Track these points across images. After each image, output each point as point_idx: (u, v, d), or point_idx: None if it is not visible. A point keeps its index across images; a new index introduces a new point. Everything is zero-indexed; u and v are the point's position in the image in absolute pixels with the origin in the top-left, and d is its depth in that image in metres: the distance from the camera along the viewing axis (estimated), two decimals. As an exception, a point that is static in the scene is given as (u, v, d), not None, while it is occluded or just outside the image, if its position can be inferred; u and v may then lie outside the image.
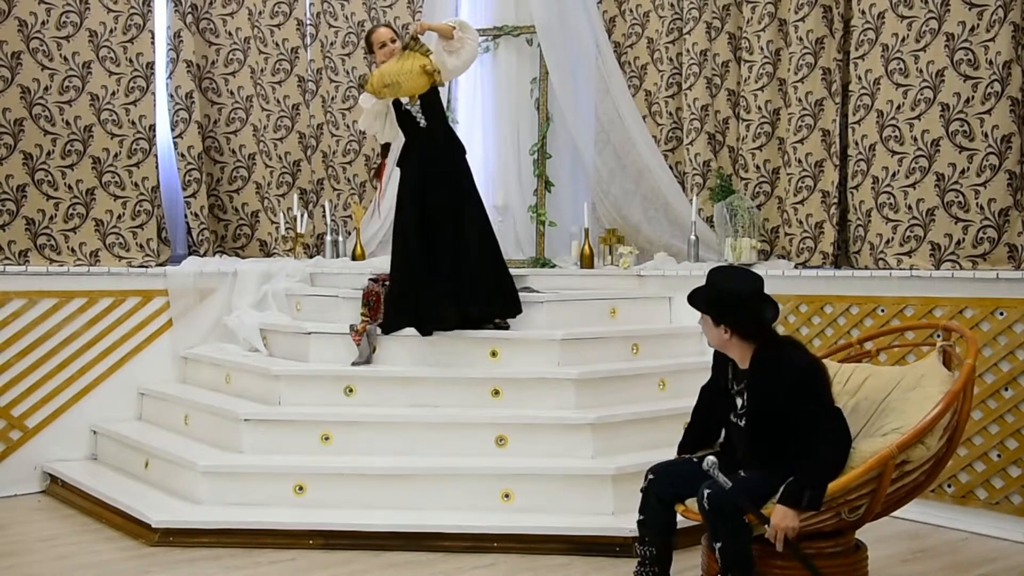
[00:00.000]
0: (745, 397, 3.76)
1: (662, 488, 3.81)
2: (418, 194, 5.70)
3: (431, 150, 5.75)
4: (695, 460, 3.87)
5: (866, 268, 5.71)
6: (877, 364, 4.28)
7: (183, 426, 5.79)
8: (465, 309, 5.59)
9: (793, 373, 3.61)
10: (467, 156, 5.89)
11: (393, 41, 5.78)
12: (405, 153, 5.89)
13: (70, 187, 6.25)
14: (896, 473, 3.60)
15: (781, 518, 3.48)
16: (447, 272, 5.62)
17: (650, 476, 3.87)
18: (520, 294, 5.88)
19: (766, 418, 3.67)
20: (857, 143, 5.83)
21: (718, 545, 3.54)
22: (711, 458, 3.57)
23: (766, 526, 3.49)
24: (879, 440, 3.63)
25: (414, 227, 5.67)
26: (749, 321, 3.69)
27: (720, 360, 3.93)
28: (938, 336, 4.64)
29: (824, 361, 3.93)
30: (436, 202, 5.68)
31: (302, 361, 5.73)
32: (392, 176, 7.39)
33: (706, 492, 3.55)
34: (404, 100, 5.71)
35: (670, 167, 6.94)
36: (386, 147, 6.07)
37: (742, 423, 3.78)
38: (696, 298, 3.82)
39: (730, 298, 3.71)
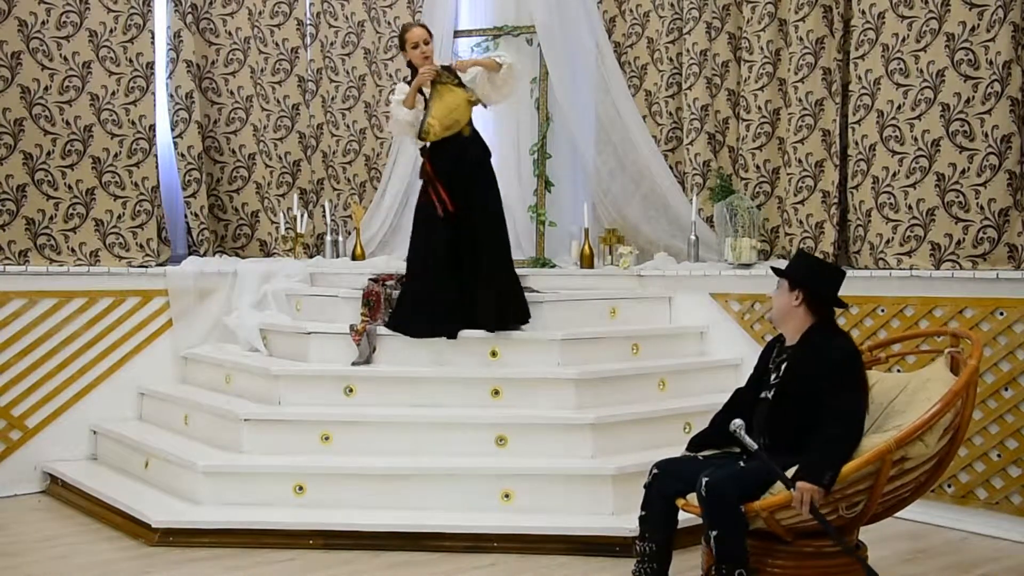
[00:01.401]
0: (782, 370, 3.86)
1: (665, 483, 3.83)
2: (455, 193, 5.68)
3: (459, 152, 5.72)
4: (700, 458, 3.90)
5: (866, 268, 5.72)
6: (882, 370, 4.28)
7: (183, 426, 5.79)
8: (474, 316, 5.59)
9: (837, 354, 3.73)
10: (492, 159, 5.88)
11: (427, 43, 5.73)
12: (434, 154, 5.83)
13: (70, 187, 6.25)
14: (895, 471, 3.60)
15: (804, 482, 3.50)
16: (464, 277, 5.62)
17: (654, 471, 3.91)
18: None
19: (794, 391, 3.75)
20: (857, 143, 5.83)
21: (712, 534, 3.58)
22: (738, 420, 3.64)
23: (791, 490, 3.50)
24: (879, 437, 3.64)
25: (441, 230, 5.66)
26: (821, 294, 3.87)
27: (767, 350, 4.06)
28: (939, 339, 4.64)
29: None
30: (463, 205, 5.66)
31: (302, 361, 5.73)
32: (392, 175, 7.45)
33: (704, 480, 3.59)
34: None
35: (670, 167, 6.94)
36: (424, 148, 5.98)
37: (770, 395, 3.86)
38: (780, 268, 4.02)
39: (813, 267, 3.97)
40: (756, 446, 3.60)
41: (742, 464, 3.69)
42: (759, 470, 3.62)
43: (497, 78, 5.73)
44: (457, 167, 5.70)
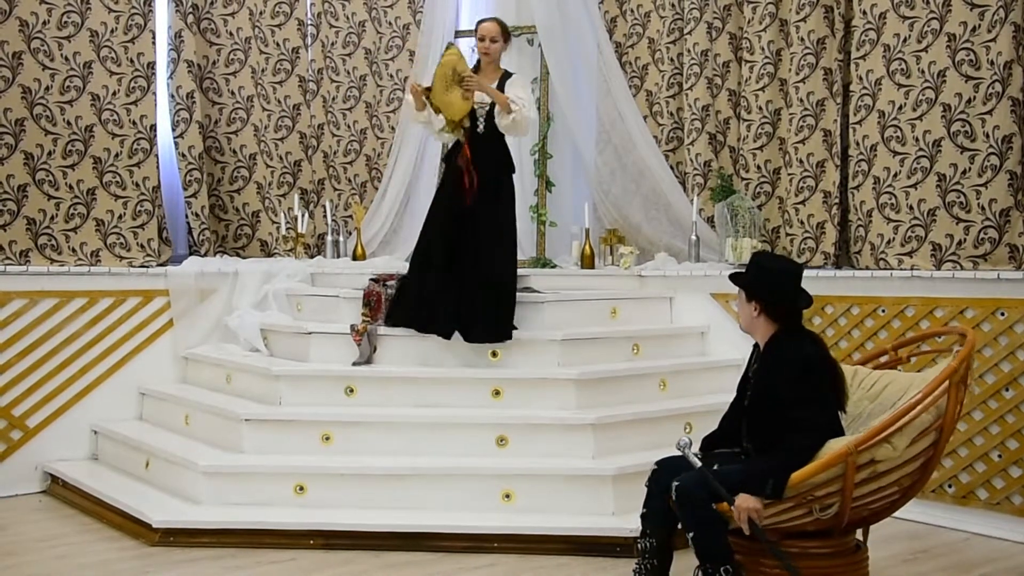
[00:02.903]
0: (755, 378, 3.85)
1: (665, 479, 3.83)
2: (455, 198, 5.65)
3: (485, 157, 5.66)
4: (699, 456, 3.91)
5: (867, 268, 5.71)
6: (911, 370, 4.25)
7: (184, 426, 5.79)
8: (460, 326, 5.54)
9: (795, 359, 3.68)
10: (514, 175, 5.81)
11: (494, 41, 5.69)
12: (454, 151, 5.80)
13: (71, 187, 6.25)
14: (868, 473, 3.59)
15: (743, 500, 3.53)
16: (457, 283, 5.57)
17: (655, 467, 3.92)
18: (521, 295, 5.87)
19: (764, 400, 3.74)
20: (858, 143, 5.83)
21: (690, 536, 3.61)
22: (684, 438, 3.64)
23: (732, 508, 3.53)
24: (849, 438, 3.63)
25: (440, 229, 5.65)
26: (778, 301, 3.78)
27: (755, 346, 4.01)
28: (939, 339, 4.63)
29: (853, 366, 4.09)
30: (469, 211, 5.60)
31: (303, 361, 5.73)
32: (393, 175, 7.45)
33: (674, 484, 3.62)
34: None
35: (671, 167, 6.94)
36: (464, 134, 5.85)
37: (747, 403, 3.87)
38: (736, 276, 3.93)
39: (766, 275, 3.81)
40: (700, 465, 3.60)
41: (716, 466, 3.70)
42: (730, 472, 3.63)
43: (504, 117, 5.63)
44: (474, 162, 5.66)
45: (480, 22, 5.88)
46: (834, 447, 3.58)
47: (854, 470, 3.52)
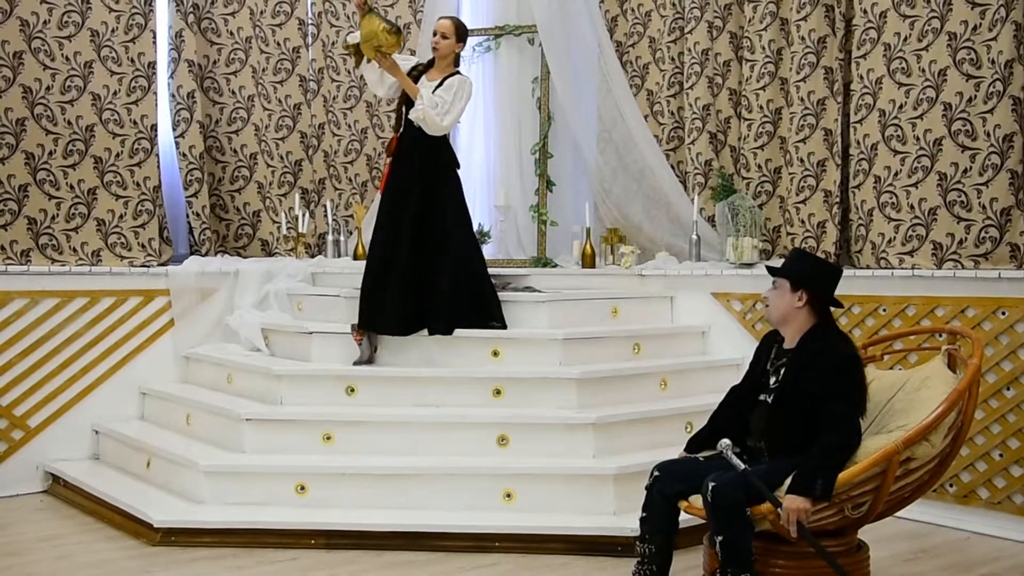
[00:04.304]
0: (781, 373, 3.83)
1: (667, 484, 3.83)
2: (396, 192, 5.66)
3: (415, 150, 5.66)
4: (701, 459, 3.89)
5: (868, 268, 5.71)
6: (882, 368, 4.29)
7: (185, 426, 5.80)
8: (415, 318, 5.56)
9: (835, 357, 3.70)
10: (457, 170, 5.78)
11: (445, 37, 5.69)
12: (396, 145, 5.80)
13: (72, 187, 6.25)
14: (901, 471, 3.61)
15: (792, 501, 3.50)
16: (404, 277, 5.57)
17: (655, 473, 3.89)
18: (521, 294, 5.86)
19: (794, 396, 3.73)
20: (859, 142, 5.82)
21: (719, 539, 3.56)
22: (726, 440, 3.62)
23: (778, 510, 3.50)
24: (884, 437, 3.64)
25: (385, 225, 5.67)
26: (824, 293, 3.82)
27: (764, 345, 4.01)
28: (940, 337, 4.64)
29: None
30: (410, 205, 5.61)
31: (304, 361, 5.74)
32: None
33: (711, 485, 3.58)
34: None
35: (672, 166, 6.93)
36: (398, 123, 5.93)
37: (769, 399, 3.84)
38: (777, 268, 3.94)
39: (816, 266, 3.89)
40: (743, 466, 3.58)
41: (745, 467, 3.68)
42: (764, 473, 3.61)
43: (415, 111, 5.59)
44: (404, 162, 5.65)
45: (439, 18, 5.91)
46: (873, 445, 3.58)
47: (896, 468, 3.54)
